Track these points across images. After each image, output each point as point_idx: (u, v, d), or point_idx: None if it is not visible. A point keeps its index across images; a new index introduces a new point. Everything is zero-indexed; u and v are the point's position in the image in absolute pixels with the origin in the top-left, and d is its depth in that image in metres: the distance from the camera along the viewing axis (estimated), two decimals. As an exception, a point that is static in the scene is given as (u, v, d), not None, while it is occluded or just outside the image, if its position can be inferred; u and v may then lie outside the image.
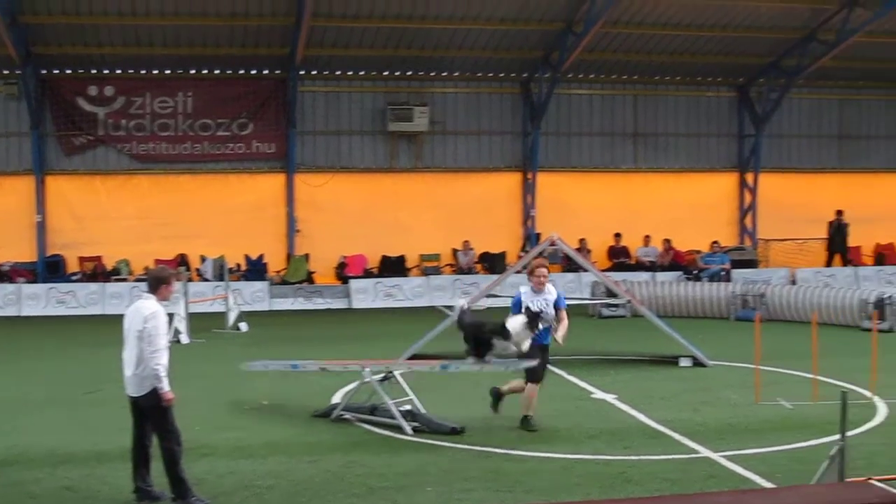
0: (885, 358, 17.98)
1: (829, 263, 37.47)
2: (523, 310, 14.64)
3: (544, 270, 15.33)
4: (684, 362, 21.05)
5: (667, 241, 36.94)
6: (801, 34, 34.83)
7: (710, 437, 14.40)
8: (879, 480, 8.52)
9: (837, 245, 37.58)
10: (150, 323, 11.34)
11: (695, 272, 35.03)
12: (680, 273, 35.48)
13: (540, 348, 14.87)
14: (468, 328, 14.94)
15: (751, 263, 36.70)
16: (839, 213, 37.24)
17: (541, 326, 14.67)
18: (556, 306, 15.08)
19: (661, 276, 34.83)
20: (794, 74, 36.32)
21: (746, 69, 37.35)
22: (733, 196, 38.86)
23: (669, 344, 21.43)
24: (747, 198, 38.58)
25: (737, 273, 34.84)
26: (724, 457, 13.23)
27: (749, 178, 38.40)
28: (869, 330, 22.01)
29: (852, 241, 37.80)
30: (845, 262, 37.41)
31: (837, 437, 9.14)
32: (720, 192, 38.72)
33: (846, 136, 39.42)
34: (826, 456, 9.48)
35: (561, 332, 15.01)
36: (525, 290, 15.12)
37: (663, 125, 37.90)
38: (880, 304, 25.94)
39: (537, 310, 14.68)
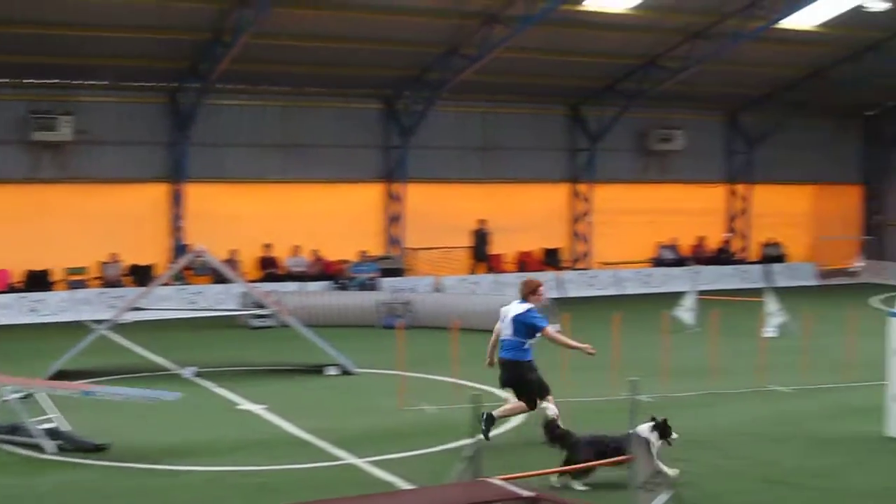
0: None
1: (473, 271, 38.85)
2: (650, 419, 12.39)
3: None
4: (331, 371, 21.37)
5: (315, 251, 37.31)
6: (445, 48, 35.77)
7: (355, 443, 14.75)
8: (507, 479, 8.97)
9: (480, 253, 39.03)
10: None
11: (343, 281, 35.52)
12: (329, 282, 35.89)
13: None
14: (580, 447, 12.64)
15: (398, 272, 37.54)
16: (482, 221, 38.64)
17: None
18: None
19: (311, 286, 35.14)
20: (438, 87, 37.27)
21: (393, 82, 38.08)
22: (381, 206, 39.58)
23: (318, 353, 21.71)
24: (394, 208, 39.39)
25: (385, 282, 35.54)
26: (369, 462, 13.60)
27: (396, 188, 39.22)
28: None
29: (495, 249, 39.33)
30: (488, 269, 38.89)
31: (474, 439, 9.52)
32: (369, 202, 39.32)
33: (489, 147, 40.77)
34: (461, 458, 9.87)
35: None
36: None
37: (312, 136, 38.09)
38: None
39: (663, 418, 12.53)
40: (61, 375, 18.80)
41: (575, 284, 39.41)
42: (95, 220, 35.28)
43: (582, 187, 42.18)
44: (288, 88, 37.56)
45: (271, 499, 11.71)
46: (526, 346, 14.60)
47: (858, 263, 45.62)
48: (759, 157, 44.81)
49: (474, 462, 9.41)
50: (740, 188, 45.25)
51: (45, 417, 15.09)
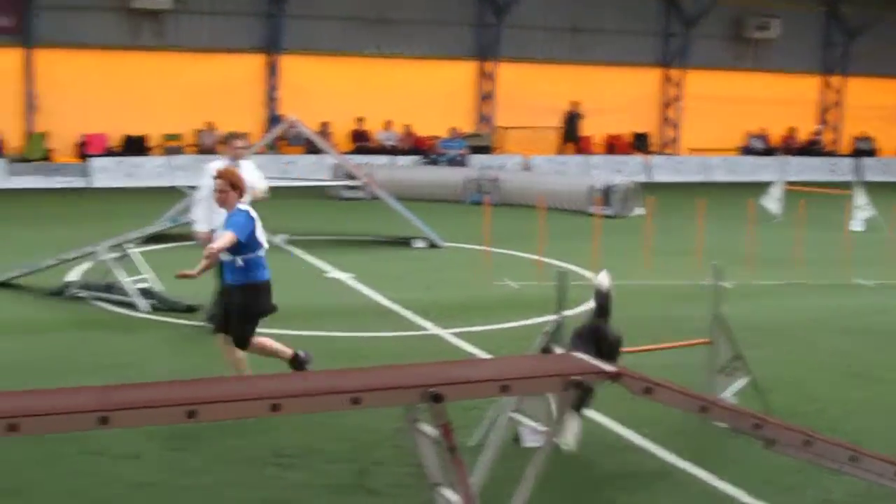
0: (606, 241, 19.02)
1: (561, 151, 38.87)
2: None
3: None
4: (418, 244, 21.68)
5: (406, 126, 37.52)
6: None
7: (439, 314, 15.01)
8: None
9: (570, 134, 38.98)
10: None
11: (433, 157, 35.73)
12: (419, 157, 36.13)
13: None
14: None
15: (487, 149, 37.67)
16: (574, 103, 38.48)
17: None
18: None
19: (401, 160, 35.43)
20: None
21: (488, -42, 37.95)
22: (473, 84, 39.59)
23: (406, 226, 22.01)
24: (486, 86, 39.37)
25: (474, 158, 35.70)
26: (453, 334, 13.89)
27: (489, 66, 39.18)
28: (594, 215, 23.12)
29: (584, 132, 39.26)
30: (577, 151, 38.87)
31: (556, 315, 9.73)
32: (461, 79, 39.34)
33: (582, 28, 40.46)
34: (542, 332, 10.11)
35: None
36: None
37: (407, 11, 38.12)
38: (606, 192, 27.15)
39: None
40: (156, 238, 19.20)
41: (662, 170, 39.31)
42: (192, 89, 35.69)
43: (674, 72, 41.80)
44: (384, -38, 37.49)
45: (359, 364, 12.02)
46: None
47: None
48: (856, 49, 43.88)
49: (555, 337, 9.60)
50: (835, 80, 44.51)
51: (139, 277, 15.50)
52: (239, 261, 10.55)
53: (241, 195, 10.73)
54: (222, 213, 10.84)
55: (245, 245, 10.50)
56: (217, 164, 12.80)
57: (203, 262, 10.49)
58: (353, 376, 7.27)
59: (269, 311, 10.88)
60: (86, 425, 6.11)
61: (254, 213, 10.66)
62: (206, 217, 13.13)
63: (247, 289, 10.66)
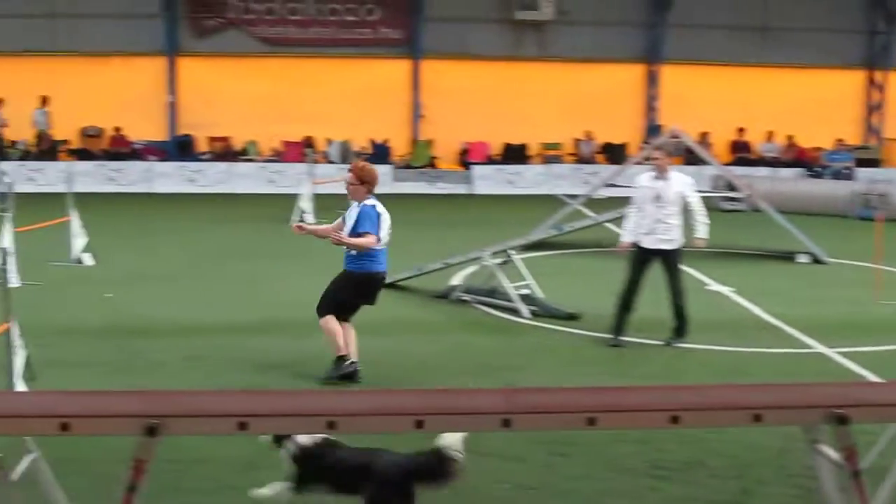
0: None
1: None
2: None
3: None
4: (802, 258, 21.07)
5: (788, 137, 36.60)
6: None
7: (824, 333, 14.42)
8: None
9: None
10: None
11: (817, 169, 34.69)
12: (802, 169, 35.17)
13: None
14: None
15: (875, 163, 36.21)
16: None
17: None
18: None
19: (783, 172, 34.58)
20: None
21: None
22: (860, 94, 38.18)
23: (788, 240, 21.43)
24: (875, 96, 37.89)
25: (860, 172, 34.41)
26: (838, 353, 13.34)
27: (878, 76, 37.68)
28: None
29: None
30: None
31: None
32: (847, 89, 38.05)
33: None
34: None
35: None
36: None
37: (791, 19, 37.19)
38: None
39: None
40: (536, 245, 19.43)
41: None
42: (571, 98, 36.11)
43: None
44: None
45: (741, 380, 11.76)
46: None
47: None
48: None
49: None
50: None
51: (521, 283, 15.72)
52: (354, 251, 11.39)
53: (370, 189, 11.49)
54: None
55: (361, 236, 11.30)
56: (645, 175, 13.34)
57: (333, 236, 11.37)
58: (753, 392, 7.11)
59: (362, 302, 11.69)
60: (489, 426, 6.25)
61: (381, 208, 11.43)
62: (633, 229, 13.37)
63: (353, 275, 11.52)
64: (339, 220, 11.76)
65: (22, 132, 34.58)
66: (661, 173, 13.24)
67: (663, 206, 12.98)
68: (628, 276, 13.29)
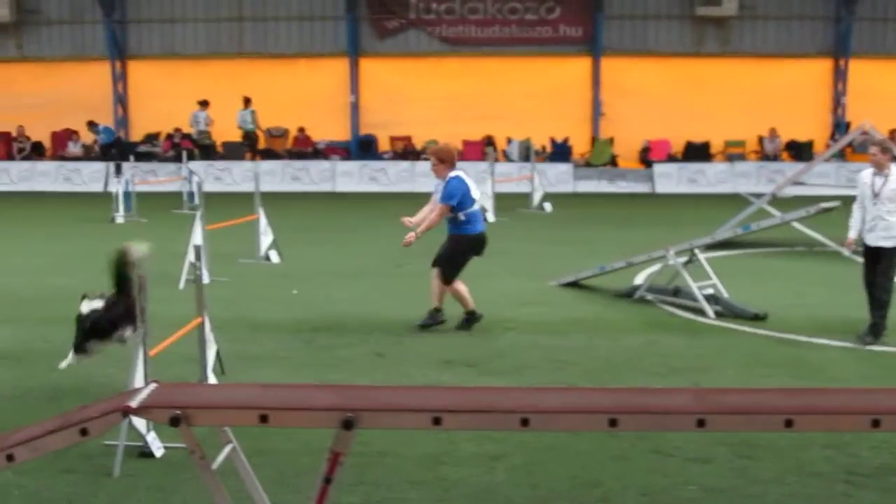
0: None
1: None
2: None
3: None
4: None
5: None
6: None
7: None
8: None
9: None
10: None
11: None
12: None
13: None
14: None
15: None
16: None
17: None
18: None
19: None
20: None
21: None
22: None
23: None
24: None
25: None
26: None
27: None
28: None
29: None
30: None
31: None
32: None
33: None
34: None
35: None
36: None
37: None
38: None
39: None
40: (721, 245, 19.16)
41: None
42: (754, 95, 35.54)
43: None
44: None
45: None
46: None
47: None
48: None
49: None
50: None
51: (705, 283, 15.50)
52: (461, 216, 13.36)
53: (451, 166, 13.47)
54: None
55: (460, 204, 13.29)
56: (866, 172, 13.23)
57: (422, 227, 13.42)
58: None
59: (471, 256, 13.63)
60: (684, 426, 6.20)
61: (464, 176, 13.35)
62: (857, 225, 13.31)
63: (458, 238, 13.52)
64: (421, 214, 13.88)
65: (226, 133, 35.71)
66: (879, 170, 13.01)
67: (881, 202, 12.80)
68: (864, 276, 13.36)
